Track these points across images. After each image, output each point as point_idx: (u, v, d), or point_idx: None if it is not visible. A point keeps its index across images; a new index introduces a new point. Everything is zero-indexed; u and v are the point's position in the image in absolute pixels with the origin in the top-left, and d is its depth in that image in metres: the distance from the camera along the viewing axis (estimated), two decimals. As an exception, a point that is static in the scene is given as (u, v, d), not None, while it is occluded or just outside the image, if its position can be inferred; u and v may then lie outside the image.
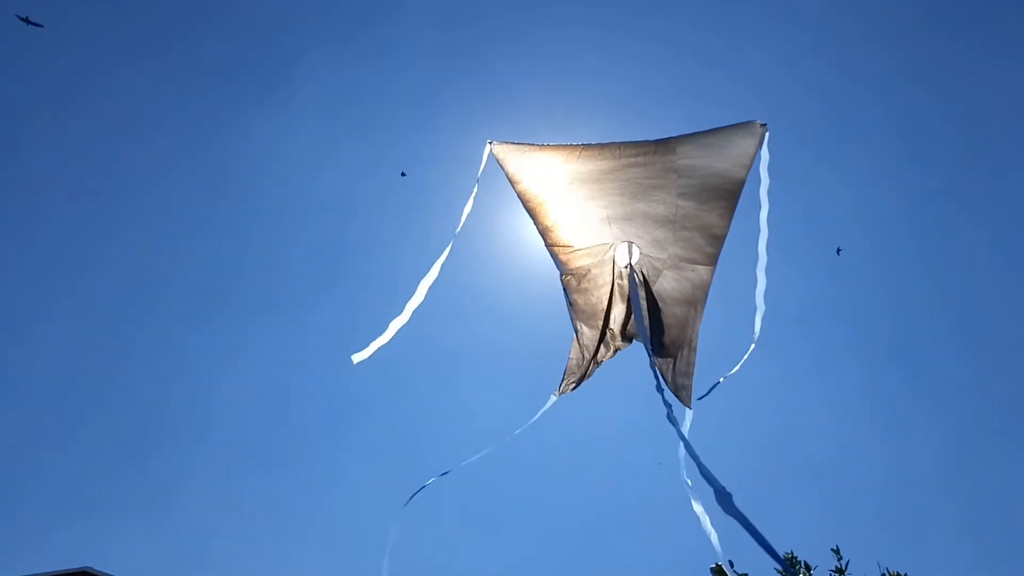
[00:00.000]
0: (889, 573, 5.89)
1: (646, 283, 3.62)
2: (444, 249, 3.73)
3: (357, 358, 3.49)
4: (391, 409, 17.25)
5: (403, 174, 12.13)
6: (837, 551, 6.02)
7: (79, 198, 15.02)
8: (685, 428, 3.34)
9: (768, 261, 3.66)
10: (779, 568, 6.10)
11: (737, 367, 3.63)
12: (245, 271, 16.26)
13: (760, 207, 3.58)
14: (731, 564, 6.53)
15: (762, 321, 3.63)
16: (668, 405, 2.95)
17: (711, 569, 6.80)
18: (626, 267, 3.63)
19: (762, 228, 3.61)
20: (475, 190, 3.74)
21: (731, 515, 2.16)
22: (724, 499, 2.20)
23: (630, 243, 3.66)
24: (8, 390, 15.16)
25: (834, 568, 5.92)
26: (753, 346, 3.67)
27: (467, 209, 3.74)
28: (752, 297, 3.70)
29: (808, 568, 6.11)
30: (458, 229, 3.78)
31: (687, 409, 3.52)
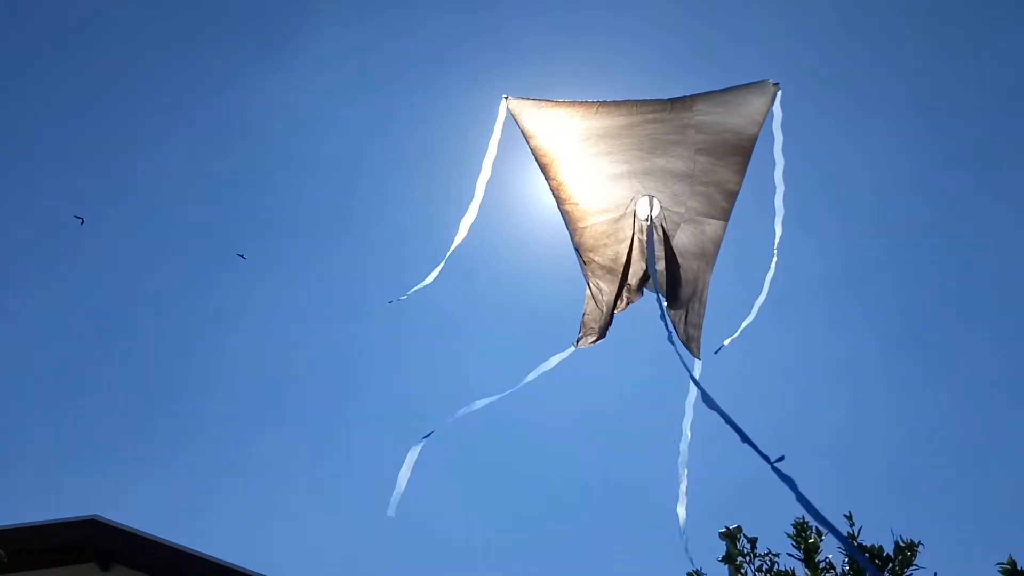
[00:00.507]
0: (903, 541, 5.80)
1: (666, 236, 3.68)
2: (472, 196, 3.85)
3: (402, 297, 3.72)
4: (399, 368, 17.28)
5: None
6: (849, 517, 5.93)
7: (81, 151, 14.81)
8: (692, 390, 3.46)
9: (784, 226, 3.81)
10: (790, 533, 6.04)
11: (751, 316, 3.85)
12: (254, 224, 16.10)
13: (775, 165, 3.68)
14: (740, 530, 6.48)
15: (775, 269, 3.82)
16: (679, 354, 3.03)
17: (720, 533, 6.76)
18: (646, 220, 3.66)
19: (778, 184, 3.72)
20: (495, 140, 3.78)
21: (746, 443, 2.20)
22: (740, 433, 2.20)
23: (651, 196, 3.69)
24: (14, 337, 15.22)
25: (846, 535, 5.83)
26: (765, 294, 3.85)
27: (488, 161, 3.83)
28: (768, 255, 3.88)
29: (820, 534, 6.03)
30: (482, 179, 3.86)
31: (697, 360, 3.68)
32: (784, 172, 3.74)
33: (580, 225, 3.79)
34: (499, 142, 3.84)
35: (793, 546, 5.88)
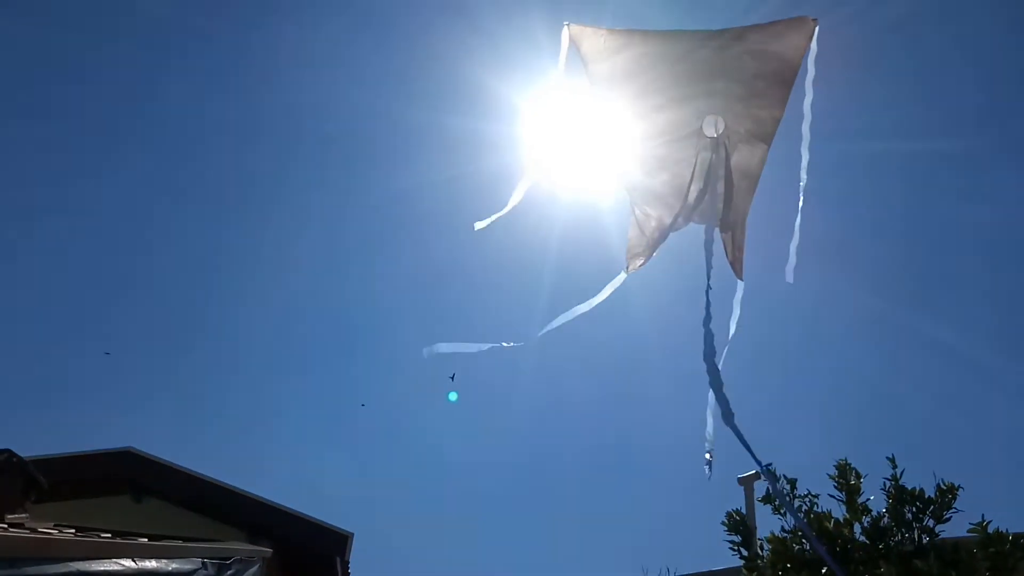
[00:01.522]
0: (944, 484, 5.72)
1: (727, 155, 3.82)
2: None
3: (479, 226, 3.81)
4: (422, 320, 17.33)
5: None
6: (892, 460, 5.85)
7: (94, 94, 14.51)
8: (737, 299, 3.76)
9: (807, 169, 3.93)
10: (831, 475, 5.97)
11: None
12: (276, 176, 15.92)
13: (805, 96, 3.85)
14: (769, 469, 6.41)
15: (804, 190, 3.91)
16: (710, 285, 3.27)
17: (739, 479, 6.70)
18: (712, 138, 3.81)
19: (806, 113, 3.91)
20: (561, 67, 3.77)
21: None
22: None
23: (717, 116, 3.79)
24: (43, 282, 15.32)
25: (889, 476, 5.76)
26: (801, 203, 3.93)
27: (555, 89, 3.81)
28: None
29: (859, 475, 5.96)
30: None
31: (740, 281, 3.84)
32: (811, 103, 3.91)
33: (638, 149, 3.88)
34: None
35: (835, 487, 5.84)
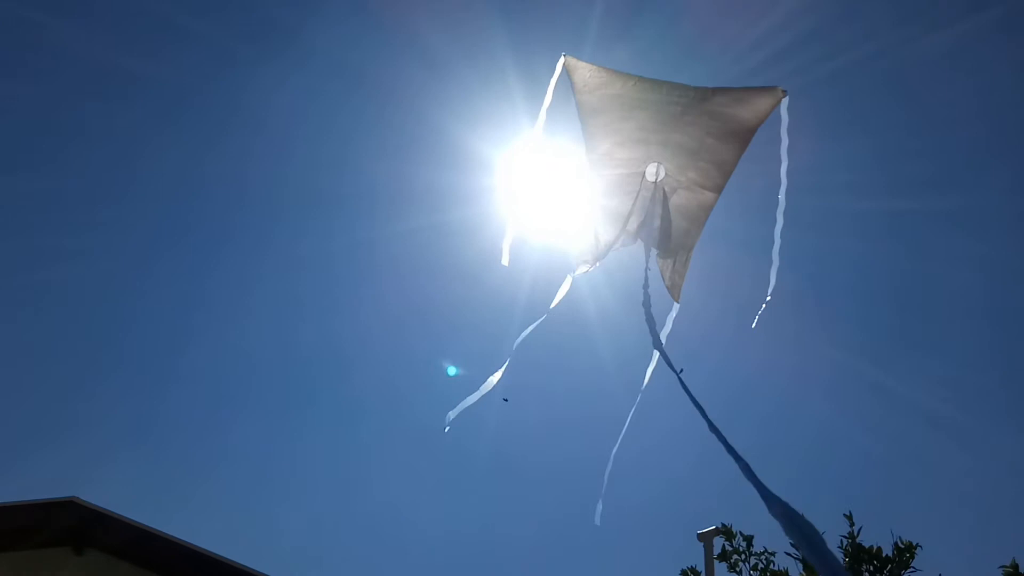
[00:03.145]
0: (902, 543, 5.65)
1: (664, 197, 4.41)
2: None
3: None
4: (385, 363, 17.10)
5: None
6: (849, 517, 5.77)
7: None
8: (670, 319, 4.37)
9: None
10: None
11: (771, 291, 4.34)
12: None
13: (781, 162, 4.30)
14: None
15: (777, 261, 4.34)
16: (647, 302, 3.61)
17: (698, 535, 6.57)
18: (652, 182, 4.39)
19: (783, 179, 4.34)
20: (551, 90, 4.25)
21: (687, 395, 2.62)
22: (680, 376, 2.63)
23: (659, 164, 4.39)
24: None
25: (845, 534, 5.67)
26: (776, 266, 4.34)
27: (542, 115, 4.30)
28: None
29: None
30: (539, 125, 4.34)
31: (676, 304, 4.43)
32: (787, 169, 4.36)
33: (599, 172, 4.42)
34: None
35: (791, 544, 5.72)
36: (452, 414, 3.87)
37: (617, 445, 4.14)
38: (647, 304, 3.56)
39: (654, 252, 4.23)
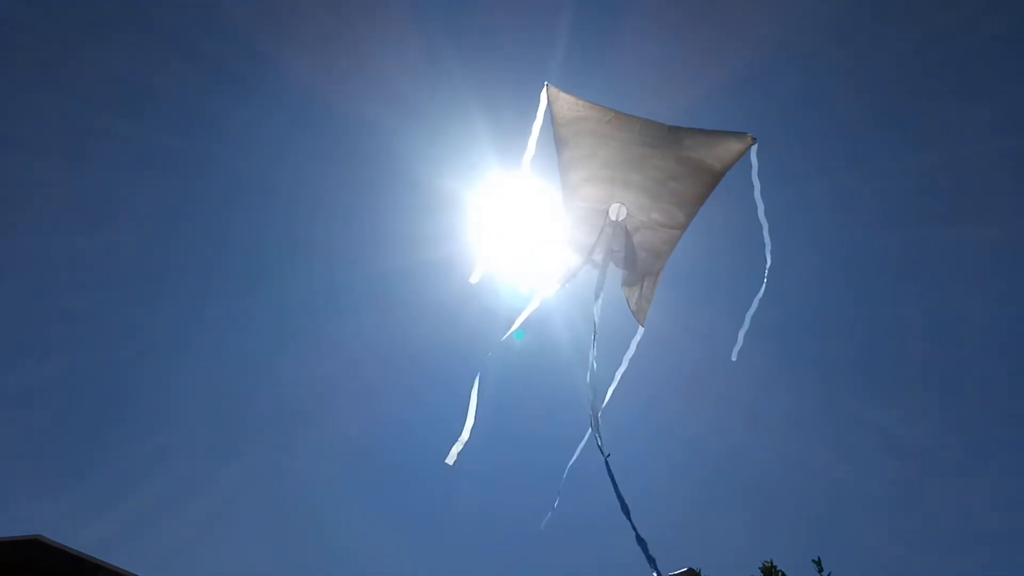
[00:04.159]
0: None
1: (627, 234, 4.62)
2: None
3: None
4: (357, 407, 17.01)
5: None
6: (818, 562, 5.73)
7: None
8: (635, 341, 4.64)
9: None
10: None
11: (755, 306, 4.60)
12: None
13: (756, 207, 4.47)
14: None
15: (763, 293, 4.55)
16: (595, 330, 4.11)
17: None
18: (615, 220, 4.58)
19: (762, 221, 4.50)
20: (539, 122, 4.40)
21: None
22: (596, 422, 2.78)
23: (621, 204, 4.57)
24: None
25: (816, 580, 5.62)
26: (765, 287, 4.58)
27: (532, 143, 4.46)
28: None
29: (785, 577, 5.81)
30: (528, 155, 4.55)
31: (640, 328, 4.68)
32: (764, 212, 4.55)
33: (569, 203, 4.62)
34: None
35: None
36: (453, 452, 4.10)
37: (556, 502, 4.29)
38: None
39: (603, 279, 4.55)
